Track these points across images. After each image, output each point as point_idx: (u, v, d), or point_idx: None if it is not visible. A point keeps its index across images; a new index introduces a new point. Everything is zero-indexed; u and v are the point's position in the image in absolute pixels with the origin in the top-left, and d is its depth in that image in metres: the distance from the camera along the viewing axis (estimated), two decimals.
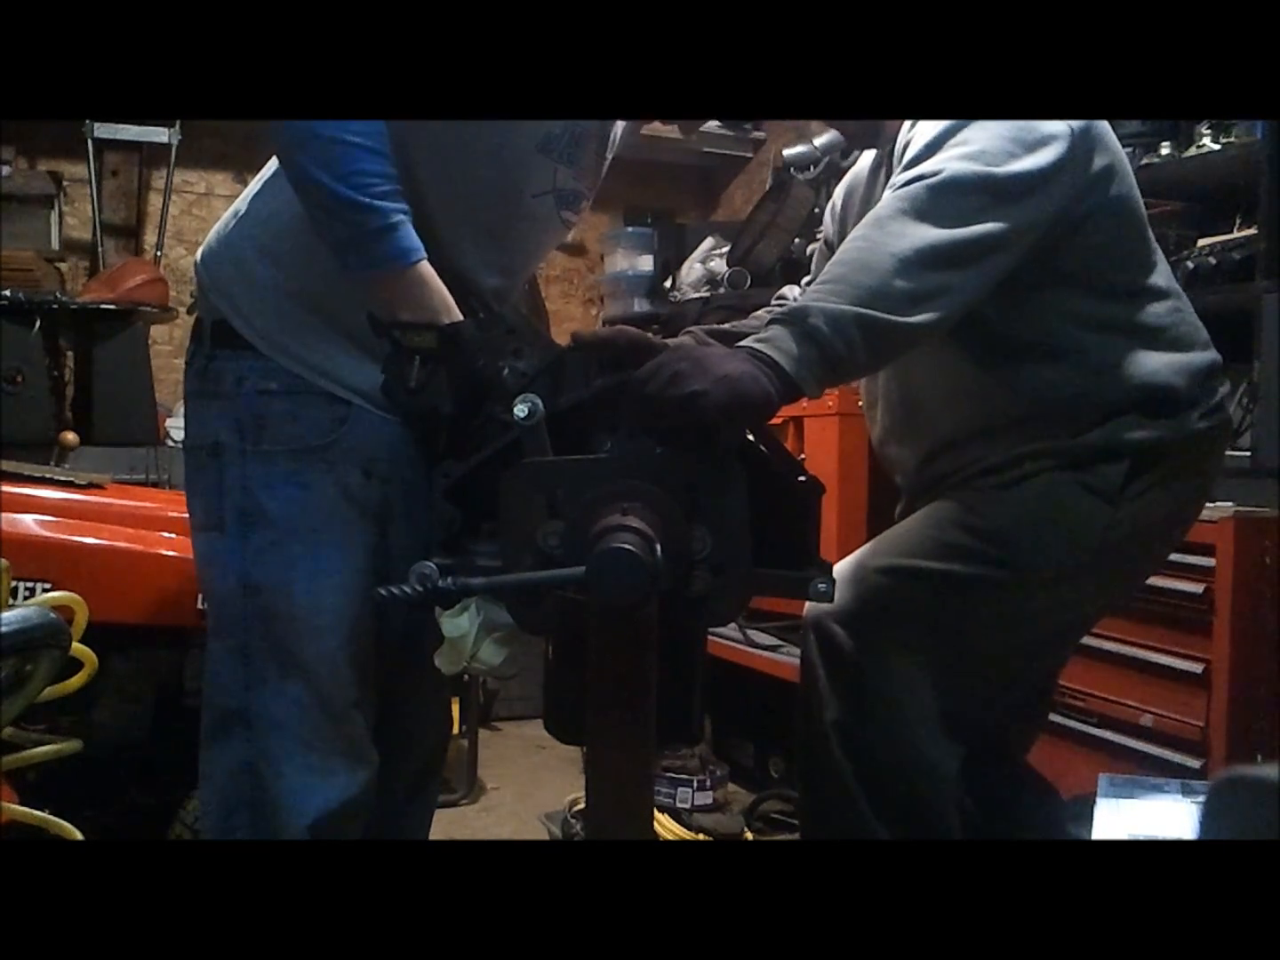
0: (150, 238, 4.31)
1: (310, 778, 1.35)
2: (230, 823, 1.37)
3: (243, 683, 1.37)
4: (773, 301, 1.81)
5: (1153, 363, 1.43)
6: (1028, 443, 1.43)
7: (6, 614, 1.14)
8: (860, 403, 1.73)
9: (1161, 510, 1.45)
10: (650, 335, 1.58)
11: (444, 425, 1.27)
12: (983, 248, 1.28)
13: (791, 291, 1.82)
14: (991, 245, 1.29)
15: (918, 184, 1.29)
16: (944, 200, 1.27)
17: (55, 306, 3.63)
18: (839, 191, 1.77)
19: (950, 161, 1.30)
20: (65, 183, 4.20)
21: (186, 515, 1.44)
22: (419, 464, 1.42)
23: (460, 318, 1.26)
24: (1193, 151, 2.92)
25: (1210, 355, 1.50)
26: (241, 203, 1.44)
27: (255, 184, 1.44)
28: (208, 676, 1.41)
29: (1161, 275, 1.50)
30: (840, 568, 1.46)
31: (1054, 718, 2.07)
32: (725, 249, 4.06)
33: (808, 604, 1.46)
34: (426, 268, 1.26)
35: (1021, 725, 1.67)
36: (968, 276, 1.28)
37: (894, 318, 1.22)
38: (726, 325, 1.72)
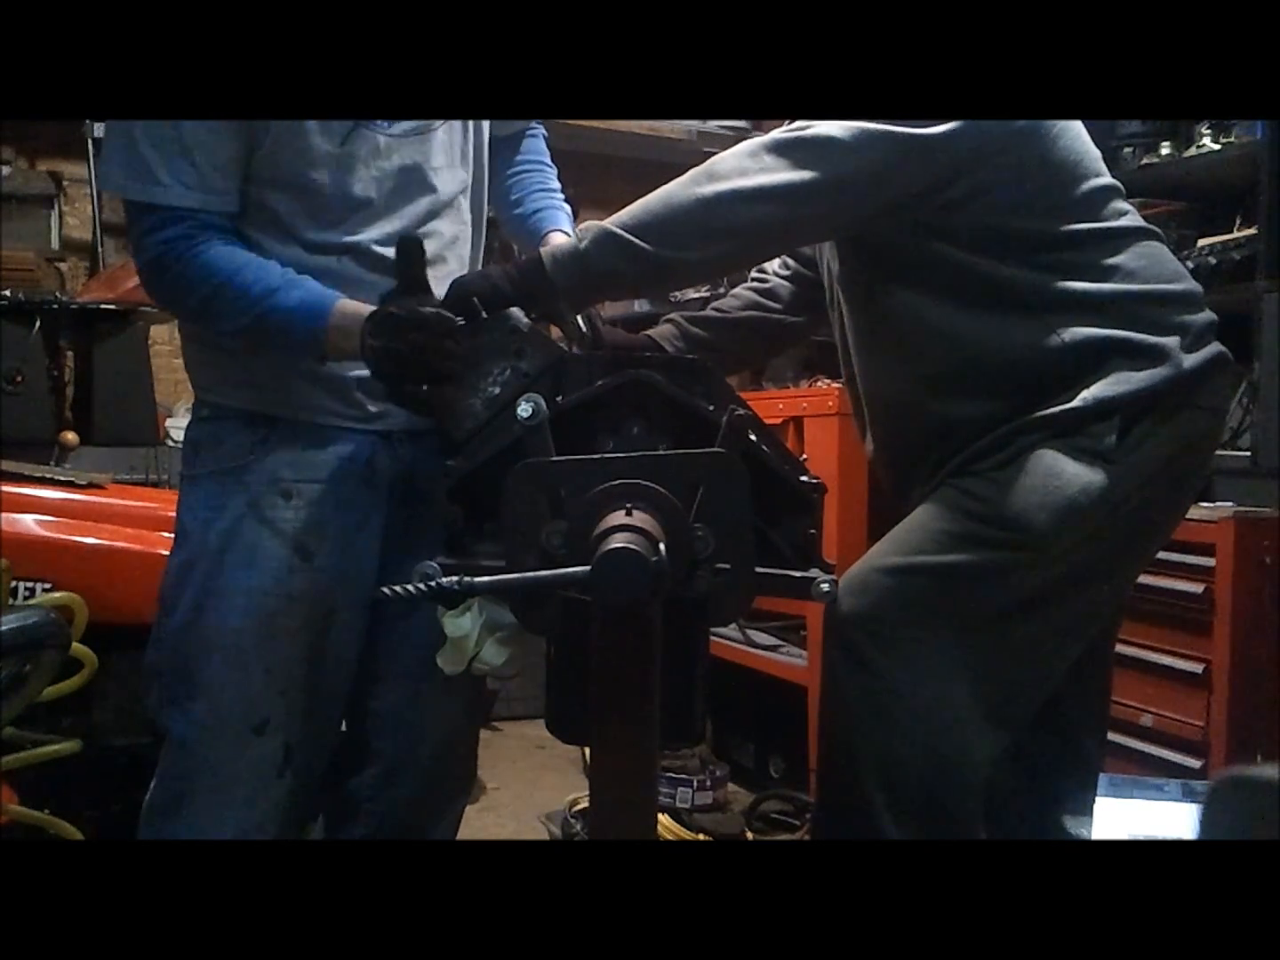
0: None
1: (214, 798, 1.36)
2: (153, 824, 1.39)
3: (158, 700, 1.40)
4: (751, 278, 1.81)
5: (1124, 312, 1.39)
6: (1014, 418, 1.40)
7: (6, 614, 1.13)
8: None
9: (1166, 450, 1.41)
10: (645, 338, 1.59)
11: (472, 326, 1.25)
12: (774, 196, 1.31)
13: (770, 265, 1.82)
14: (784, 196, 1.31)
15: (753, 142, 1.35)
16: (760, 155, 1.33)
17: (55, 306, 3.63)
18: None
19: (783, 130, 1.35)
20: (65, 183, 4.19)
21: None
22: (367, 482, 1.42)
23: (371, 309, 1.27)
24: (1193, 151, 2.92)
25: (1185, 286, 1.46)
26: None
27: None
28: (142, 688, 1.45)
29: (1118, 218, 1.44)
30: (850, 573, 1.45)
31: None
32: None
33: (826, 612, 1.45)
34: (343, 303, 1.29)
35: (1079, 700, 1.61)
36: (753, 222, 1.32)
37: (649, 246, 1.31)
38: (709, 309, 1.73)
